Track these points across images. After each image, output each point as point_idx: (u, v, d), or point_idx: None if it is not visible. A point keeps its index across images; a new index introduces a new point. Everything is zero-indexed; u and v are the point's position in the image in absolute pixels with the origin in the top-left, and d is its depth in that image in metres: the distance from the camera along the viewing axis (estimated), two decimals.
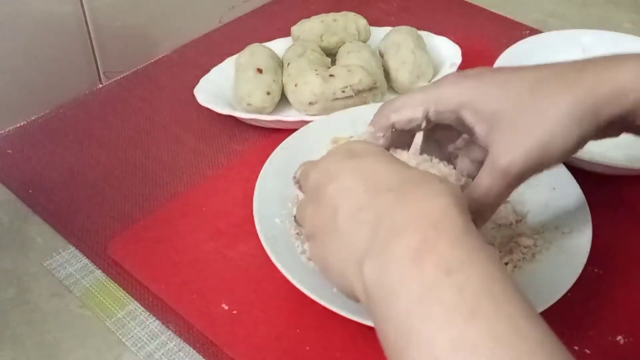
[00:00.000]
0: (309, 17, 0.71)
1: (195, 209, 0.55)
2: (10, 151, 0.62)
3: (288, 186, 0.52)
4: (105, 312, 0.49)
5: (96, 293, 0.50)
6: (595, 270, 0.50)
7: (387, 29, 0.71)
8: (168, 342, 0.47)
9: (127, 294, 0.50)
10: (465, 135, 0.46)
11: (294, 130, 0.57)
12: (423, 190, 0.34)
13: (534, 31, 0.76)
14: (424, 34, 0.70)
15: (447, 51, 0.69)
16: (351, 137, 0.57)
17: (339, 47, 0.68)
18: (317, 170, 0.38)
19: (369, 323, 0.41)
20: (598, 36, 0.69)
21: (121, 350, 0.46)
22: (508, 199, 0.52)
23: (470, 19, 0.81)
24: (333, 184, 0.37)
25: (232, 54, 0.69)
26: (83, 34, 0.66)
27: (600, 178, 0.55)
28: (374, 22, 0.72)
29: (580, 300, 0.47)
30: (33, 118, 0.66)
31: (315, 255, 0.39)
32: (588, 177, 0.53)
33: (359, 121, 0.57)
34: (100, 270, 0.51)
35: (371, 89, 0.62)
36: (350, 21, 0.70)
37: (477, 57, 0.69)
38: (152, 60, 0.73)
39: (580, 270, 0.45)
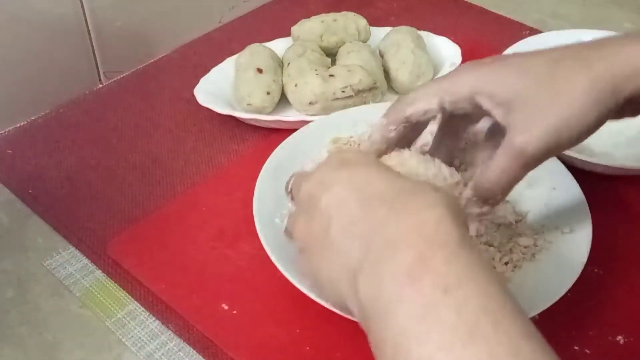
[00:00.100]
0: (309, 17, 0.71)
1: (195, 209, 0.55)
2: (10, 151, 0.62)
3: None
4: (105, 312, 0.49)
5: (96, 293, 0.50)
6: (595, 270, 0.50)
7: (387, 29, 0.71)
8: (168, 342, 0.47)
9: (127, 294, 0.50)
10: (477, 129, 0.46)
11: (294, 130, 0.57)
12: (416, 202, 0.33)
13: (534, 31, 0.76)
14: (424, 34, 0.70)
15: (447, 51, 0.69)
16: (351, 137, 0.57)
17: (339, 47, 0.68)
18: (309, 182, 0.38)
19: None
20: (598, 36, 0.69)
21: (121, 350, 0.46)
22: (508, 199, 0.52)
23: (470, 19, 0.81)
24: (326, 195, 0.36)
25: (232, 54, 0.69)
26: (83, 34, 0.66)
27: (600, 178, 0.55)
28: (374, 22, 0.72)
29: (580, 300, 0.47)
30: (33, 118, 0.66)
31: (307, 268, 0.39)
32: (588, 177, 0.53)
33: (359, 121, 0.57)
34: (100, 270, 0.51)
35: (371, 89, 0.62)
36: (350, 21, 0.70)
37: (477, 57, 0.68)
38: (152, 60, 0.73)
39: (580, 270, 0.45)
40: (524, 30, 0.77)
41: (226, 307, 0.48)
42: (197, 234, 0.53)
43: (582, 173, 0.53)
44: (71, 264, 0.52)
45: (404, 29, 0.69)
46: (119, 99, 0.68)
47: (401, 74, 0.65)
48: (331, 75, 0.62)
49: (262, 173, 0.52)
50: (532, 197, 0.52)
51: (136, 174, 0.59)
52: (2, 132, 0.64)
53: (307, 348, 0.45)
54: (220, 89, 0.66)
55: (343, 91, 0.61)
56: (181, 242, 0.53)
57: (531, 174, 0.52)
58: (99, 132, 0.64)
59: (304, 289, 0.43)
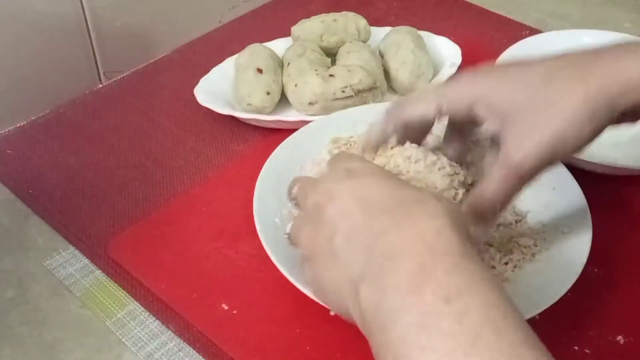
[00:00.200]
0: (309, 17, 0.71)
1: (195, 209, 0.55)
2: (10, 151, 0.62)
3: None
4: (105, 312, 0.49)
5: (96, 293, 0.50)
6: (595, 270, 0.50)
7: (387, 29, 0.71)
8: (168, 342, 0.47)
9: (127, 294, 0.50)
10: (482, 132, 0.46)
11: (294, 130, 0.57)
12: (418, 211, 0.33)
13: (534, 31, 0.76)
14: (424, 34, 0.70)
15: (447, 51, 0.69)
16: (351, 137, 0.57)
17: (339, 47, 0.68)
18: (316, 191, 0.38)
19: None
20: (598, 36, 0.69)
21: (121, 350, 0.46)
22: None
23: (470, 19, 0.81)
24: (331, 205, 0.36)
25: (232, 54, 0.69)
26: (83, 34, 0.66)
27: (600, 178, 0.55)
28: (374, 22, 0.72)
29: (580, 300, 0.47)
30: (33, 118, 0.66)
31: (311, 277, 0.39)
32: (588, 177, 0.53)
33: (359, 121, 0.57)
34: (100, 270, 0.51)
35: (371, 89, 0.62)
36: (350, 21, 0.70)
37: (477, 57, 0.69)
38: (152, 60, 0.73)
39: (580, 270, 0.45)
40: (524, 30, 0.77)
41: (226, 307, 0.48)
42: (197, 234, 0.53)
43: (582, 173, 0.53)
44: (71, 264, 0.52)
45: (404, 29, 0.69)
46: (119, 99, 0.68)
47: (401, 74, 0.65)
48: (331, 75, 0.62)
49: (262, 173, 0.52)
50: (532, 197, 0.52)
51: (136, 174, 0.59)
52: (2, 132, 0.64)
53: (307, 348, 0.45)
54: (220, 89, 0.66)
55: (343, 91, 0.61)
56: (181, 242, 0.53)
57: None
58: (99, 132, 0.64)
59: (303, 289, 0.43)
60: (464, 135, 0.48)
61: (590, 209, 0.49)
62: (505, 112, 0.40)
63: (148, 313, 0.48)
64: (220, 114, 0.63)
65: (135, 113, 0.66)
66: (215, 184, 0.58)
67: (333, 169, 0.39)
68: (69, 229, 0.54)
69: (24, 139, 0.63)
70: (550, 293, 0.43)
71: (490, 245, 0.48)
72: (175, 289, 0.49)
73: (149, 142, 0.63)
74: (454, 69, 0.66)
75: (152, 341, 0.47)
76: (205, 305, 0.48)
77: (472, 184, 0.46)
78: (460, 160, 0.48)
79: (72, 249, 0.53)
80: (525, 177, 0.40)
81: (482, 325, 0.28)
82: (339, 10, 0.71)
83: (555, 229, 0.49)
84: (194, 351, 0.46)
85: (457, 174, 0.45)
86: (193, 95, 0.64)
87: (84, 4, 0.65)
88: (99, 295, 0.50)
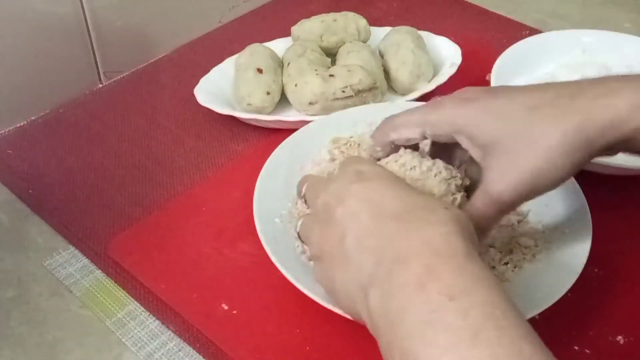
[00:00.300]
0: (309, 17, 0.71)
1: (195, 209, 0.55)
2: (10, 151, 0.62)
3: (288, 186, 0.52)
4: (105, 312, 0.49)
5: (96, 293, 0.50)
6: (595, 270, 0.50)
7: (387, 29, 0.71)
8: (168, 342, 0.47)
9: (127, 294, 0.50)
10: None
11: (294, 130, 0.57)
12: (426, 218, 0.35)
13: (534, 31, 0.75)
14: (424, 34, 0.70)
15: (447, 51, 0.69)
16: (351, 137, 0.57)
17: (339, 47, 0.68)
18: (326, 192, 0.39)
19: None
20: (598, 36, 0.69)
21: (121, 350, 0.46)
22: None
23: (470, 19, 0.81)
24: (340, 207, 0.37)
25: (232, 54, 0.69)
26: (83, 34, 0.66)
27: (600, 178, 0.55)
28: (374, 22, 0.72)
29: (580, 300, 0.47)
30: (33, 118, 0.66)
31: (322, 277, 0.40)
32: (588, 177, 0.53)
33: (359, 121, 0.57)
34: (100, 270, 0.51)
35: (371, 89, 0.62)
36: (350, 21, 0.70)
37: (477, 57, 0.69)
38: (152, 60, 0.73)
39: (580, 270, 0.45)
40: (524, 30, 0.77)
41: (226, 307, 0.48)
42: (197, 234, 0.53)
43: (582, 173, 0.52)
44: (71, 264, 0.52)
45: (404, 29, 0.69)
46: (119, 99, 0.68)
47: (401, 74, 0.65)
48: (331, 75, 0.62)
49: (262, 173, 0.52)
50: None
51: (136, 174, 0.59)
52: (2, 132, 0.64)
53: (307, 348, 0.45)
54: (220, 89, 0.66)
55: (343, 91, 0.61)
56: (181, 242, 0.53)
57: None
58: (99, 132, 0.64)
59: (303, 289, 0.43)
60: (451, 155, 0.48)
61: (590, 209, 0.49)
62: (487, 145, 0.41)
63: (148, 313, 0.48)
64: (220, 114, 0.63)
65: (135, 113, 0.66)
66: (215, 184, 0.58)
67: (343, 170, 0.41)
68: (69, 229, 0.54)
69: (24, 139, 0.63)
70: (550, 293, 0.43)
71: (491, 245, 0.48)
72: (175, 289, 0.49)
73: (149, 142, 0.63)
74: (454, 69, 0.66)
75: (152, 341, 0.47)
76: (205, 305, 0.48)
77: (470, 186, 0.46)
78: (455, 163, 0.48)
79: (72, 249, 0.53)
80: (504, 209, 0.41)
81: (484, 321, 0.29)
82: (339, 10, 0.71)
83: (556, 229, 0.49)
84: (194, 351, 0.46)
85: (454, 177, 0.45)
86: (193, 95, 0.64)
87: (84, 4, 0.65)
88: (99, 295, 0.50)
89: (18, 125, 0.65)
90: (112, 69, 0.70)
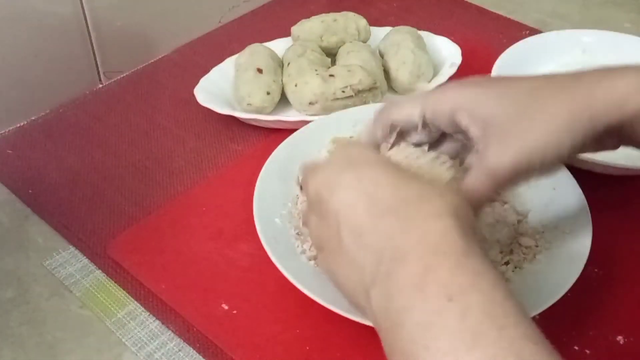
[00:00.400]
0: (309, 17, 0.71)
1: (195, 209, 0.55)
2: (10, 151, 0.62)
3: (288, 186, 0.52)
4: (105, 312, 0.49)
5: (96, 293, 0.50)
6: (595, 270, 0.50)
7: (387, 29, 0.71)
8: (168, 342, 0.47)
9: (127, 294, 0.50)
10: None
11: (294, 130, 0.57)
12: (423, 211, 0.34)
13: (534, 31, 0.75)
14: (424, 34, 0.70)
15: (447, 51, 0.69)
16: (351, 137, 0.57)
17: (339, 47, 0.68)
18: (316, 180, 0.39)
19: (369, 323, 0.41)
20: (598, 36, 0.69)
21: (121, 350, 0.46)
22: (508, 200, 0.52)
23: (470, 19, 0.81)
24: (333, 198, 0.37)
25: (232, 54, 0.69)
26: (83, 34, 0.66)
27: (600, 178, 0.55)
28: (374, 22, 0.72)
29: (580, 300, 0.47)
30: (33, 118, 0.66)
31: (325, 268, 0.40)
32: (588, 177, 0.53)
33: (359, 121, 0.57)
34: (100, 270, 0.51)
35: (371, 89, 0.62)
36: (350, 21, 0.70)
37: (477, 57, 0.69)
38: (152, 60, 0.73)
39: (580, 270, 0.45)
40: (524, 30, 0.77)
41: (226, 307, 0.48)
42: (197, 234, 0.53)
43: (582, 173, 0.53)
44: (71, 264, 0.52)
45: (404, 29, 0.69)
46: (119, 99, 0.68)
47: (401, 74, 0.65)
48: (331, 75, 0.62)
49: (262, 173, 0.52)
50: (532, 198, 0.52)
51: (136, 174, 0.59)
52: (2, 132, 0.64)
53: (307, 348, 0.45)
54: (220, 89, 0.66)
55: (343, 91, 0.61)
56: (181, 242, 0.53)
57: None
58: (99, 132, 0.64)
59: (304, 289, 0.44)
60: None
61: (590, 209, 0.49)
62: (488, 120, 0.41)
63: (148, 313, 0.48)
64: (220, 114, 0.63)
65: (135, 113, 0.66)
66: (215, 184, 0.58)
67: (334, 156, 0.40)
68: (69, 229, 0.54)
69: (24, 139, 0.63)
70: (550, 293, 0.43)
71: (493, 247, 0.48)
72: (175, 289, 0.49)
73: (149, 142, 0.63)
74: (454, 69, 0.66)
75: (152, 341, 0.47)
76: (205, 305, 0.48)
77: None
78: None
79: (72, 249, 0.53)
80: (500, 183, 0.40)
81: (484, 321, 0.29)
82: (339, 10, 0.71)
83: (556, 229, 0.49)
84: (194, 351, 0.46)
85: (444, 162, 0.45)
86: (193, 95, 0.64)
87: (84, 4, 0.65)
88: (99, 295, 0.50)
89: (18, 125, 0.65)
90: (112, 69, 0.70)
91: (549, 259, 0.47)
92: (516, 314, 0.30)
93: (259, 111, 0.63)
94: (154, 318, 0.48)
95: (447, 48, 0.70)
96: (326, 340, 0.46)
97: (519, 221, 0.51)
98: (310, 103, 0.62)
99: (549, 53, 0.68)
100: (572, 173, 0.52)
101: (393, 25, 0.71)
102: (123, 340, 0.47)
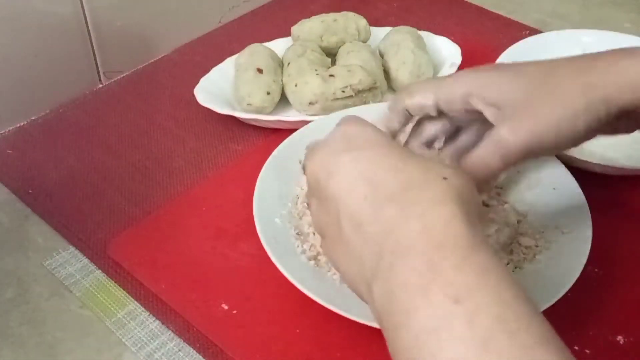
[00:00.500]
0: (309, 17, 0.71)
1: (195, 209, 0.55)
2: (10, 151, 0.62)
3: (288, 186, 0.52)
4: (105, 312, 0.49)
5: (96, 293, 0.50)
6: (595, 270, 0.50)
7: (387, 29, 0.71)
8: (168, 342, 0.47)
9: (127, 294, 0.50)
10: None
11: (294, 130, 0.57)
12: (425, 198, 0.32)
13: (534, 31, 0.76)
14: (424, 34, 0.70)
15: (447, 51, 0.69)
16: None
17: (339, 47, 0.68)
18: (314, 162, 0.37)
19: (369, 323, 0.41)
20: (598, 36, 0.69)
21: (121, 350, 0.46)
22: (508, 200, 0.52)
23: (470, 19, 0.81)
24: (331, 183, 0.35)
25: (232, 54, 0.69)
26: (83, 34, 0.66)
27: (600, 178, 0.55)
28: (374, 22, 0.72)
29: (580, 300, 0.47)
30: (33, 118, 0.66)
31: (327, 255, 0.38)
32: (588, 177, 0.53)
33: None
34: (100, 270, 0.51)
35: (371, 89, 0.62)
36: (350, 21, 0.70)
37: (477, 57, 0.69)
38: (152, 60, 0.73)
39: (580, 270, 0.45)
40: (524, 30, 0.77)
41: (226, 307, 0.48)
42: (197, 234, 0.53)
43: (582, 173, 0.53)
44: (71, 264, 0.52)
45: (404, 29, 0.69)
46: (119, 99, 0.68)
47: (401, 74, 0.65)
48: (331, 75, 0.62)
49: (262, 173, 0.52)
50: (532, 197, 0.52)
51: (136, 174, 0.59)
52: (2, 132, 0.64)
53: (307, 348, 0.45)
54: (220, 89, 0.66)
55: (343, 91, 0.61)
56: (181, 242, 0.53)
57: (531, 174, 0.53)
58: (99, 132, 0.64)
59: (304, 289, 0.44)
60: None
61: (590, 209, 0.49)
62: (502, 100, 0.40)
63: (148, 313, 0.48)
64: (220, 114, 0.63)
65: (135, 113, 0.66)
66: (215, 184, 0.58)
67: (332, 135, 0.38)
68: (69, 229, 0.54)
69: (24, 139, 0.63)
70: (550, 293, 0.43)
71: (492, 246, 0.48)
72: (175, 289, 0.49)
73: (149, 142, 0.63)
74: (454, 69, 0.66)
75: (152, 341, 0.47)
76: (205, 305, 0.48)
77: None
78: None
79: (72, 249, 0.53)
80: (509, 157, 0.39)
81: (493, 326, 0.27)
82: (339, 10, 0.71)
83: (556, 229, 0.49)
84: (194, 351, 0.46)
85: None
86: (193, 95, 0.64)
87: (84, 4, 0.65)
88: (99, 295, 0.50)
89: (18, 125, 0.65)
90: (112, 69, 0.70)
91: (549, 259, 0.47)
92: (526, 314, 0.28)
93: (259, 111, 0.63)
94: (154, 318, 0.48)
95: (447, 48, 0.70)
96: (326, 340, 0.45)
97: (519, 221, 0.51)
98: (310, 103, 0.62)
99: (549, 53, 0.67)
100: (572, 173, 0.52)
101: (393, 25, 0.71)
102: (123, 340, 0.47)
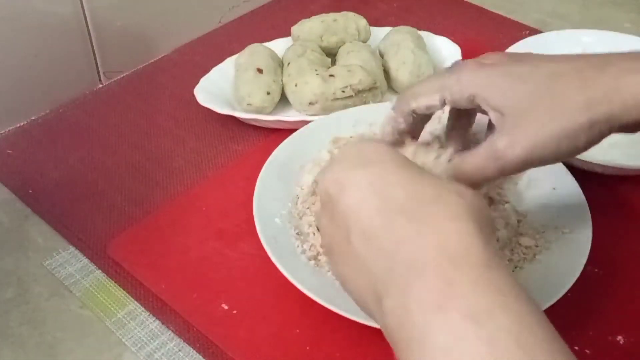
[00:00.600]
0: (309, 17, 0.71)
1: (195, 209, 0.55)
2: (10, 151, 0.62)
3: (288, 186, 0.52)
4: (105, 312, 0.49)
5: (96, 293, 0.50)
6: (595, 270, 0.50)
7: (387, 29, 0.71)
8: (168, 342, 0.47)
9: (127, 294, 0.50)
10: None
11: (294, 130, 0.57)
12: (438, 213, 0.32)
13: (534, 31, 0.76)
14: (424, 34, 0.70)
15: (447, 51, 0.69)
16: (351, 137, 0.57)
17: (339, 47, 0.68)
18: (326, 179, 0.36)
19: (369, 323, 0.41)
20: (598, 36, 0.69)
21: (121, 350, 0.46)
22: (508, 200, 0.52)
23: (470, 19, 0.81)
24: (343, 197, 0.34)
25: (232, 54, 0.69)
26: (83, 34, 0.66)
27: (600, 178, 0.55)
28: (374, 22, 0.72)
29: (580, 300, 0.47)
30: (33, 118, 0.66)
31: (334, 271, 0.38)
32: (588, 177, 0.53)
33: (359, 121, 0.57)
34: (100, 270, 0.51)
35: (371, 89, 0.62)
36: (350, 21, 0.70)
37: (476, 57, 0.69)
38: (152, 60, 0.73)
39: (580, 270, 0.45)
40: (524, 30, 0.77)
41: (226, 307, 0.48)
42: (197, 234, 0.53)
43: (582, 173, 0.53)
44: (71, 264, 0.52)
45: (404, 29, 0.69)
46: (119, 99, 0.68)
47: (401, 74, 0.65)
48: (331, 75, 0.62)
49: (262, 173, 0.52)
50: (532, 197, 0.52)
51: (136, 174, 0.59)
52: (2, 132, 0.64)
53: (307, 348, 0.45)
54: (220, 89, 0.66)
55: (343, 91, 0.61)
56: (181, 242, 0.53)
57: (531, 174, 0.53)
58: (99, 132, 0.64)
59: (304, 289, 0.44)
60: (469, 123, 0.47)
61: (590, 209, 0.49)
62: (506, 107, 0.40)
63: (148, 313, 0.48)
64: (220, 114, 0.63)
65: (135, 113, 0.66)
66: (215, 184, 0.58)
67: (345, 152, 0.38)
68: (69, 229, 0.54)
69: (24, 139, 0.63)
70: (550, 293, 0.43)
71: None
72: (175, 289, 0.49)
73: (149, 142, 0.63)
74: None
75: (152, 341, 0.47)
76: (205, 305, 0.48)
77: None
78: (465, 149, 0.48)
79: (72, 249, 0.53)
80: (506, 168, 0.39)
81: (514, 351, 0.26)
82: (339, 10, 0.71)
83: (556, 229, 0.49)
84: (194, 351, 0.46)
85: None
86: (193, 95, 0.64)
87: (84, 4, 0.65)
88: (99, 295, 0.50)
89: (18, 125, 0.65)
90: (112, 69, 0.70)
91: (549, 259, 0.47)
92: (546, 339, 0.27)
93: (259, 111, 0.63)
94: (154, 318, 0.48)
95: (447, 48, 0.70)
96: (326, 340, 0.45)
97: (519, 221, 0.51)
98: (310, 103, 0.62)
99: (549, 53, 0.68)
100: (572, 173, 0.52)
101: (393, 25, 0.71)
102: (123, 340, 0.47)
